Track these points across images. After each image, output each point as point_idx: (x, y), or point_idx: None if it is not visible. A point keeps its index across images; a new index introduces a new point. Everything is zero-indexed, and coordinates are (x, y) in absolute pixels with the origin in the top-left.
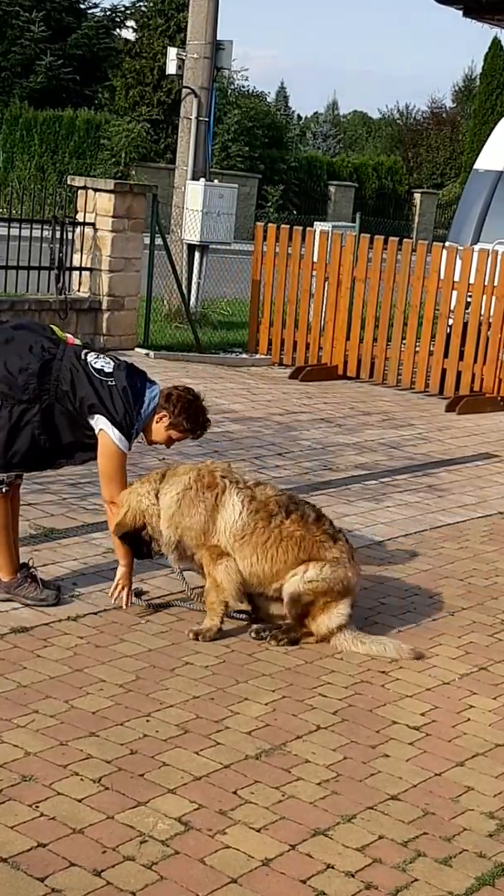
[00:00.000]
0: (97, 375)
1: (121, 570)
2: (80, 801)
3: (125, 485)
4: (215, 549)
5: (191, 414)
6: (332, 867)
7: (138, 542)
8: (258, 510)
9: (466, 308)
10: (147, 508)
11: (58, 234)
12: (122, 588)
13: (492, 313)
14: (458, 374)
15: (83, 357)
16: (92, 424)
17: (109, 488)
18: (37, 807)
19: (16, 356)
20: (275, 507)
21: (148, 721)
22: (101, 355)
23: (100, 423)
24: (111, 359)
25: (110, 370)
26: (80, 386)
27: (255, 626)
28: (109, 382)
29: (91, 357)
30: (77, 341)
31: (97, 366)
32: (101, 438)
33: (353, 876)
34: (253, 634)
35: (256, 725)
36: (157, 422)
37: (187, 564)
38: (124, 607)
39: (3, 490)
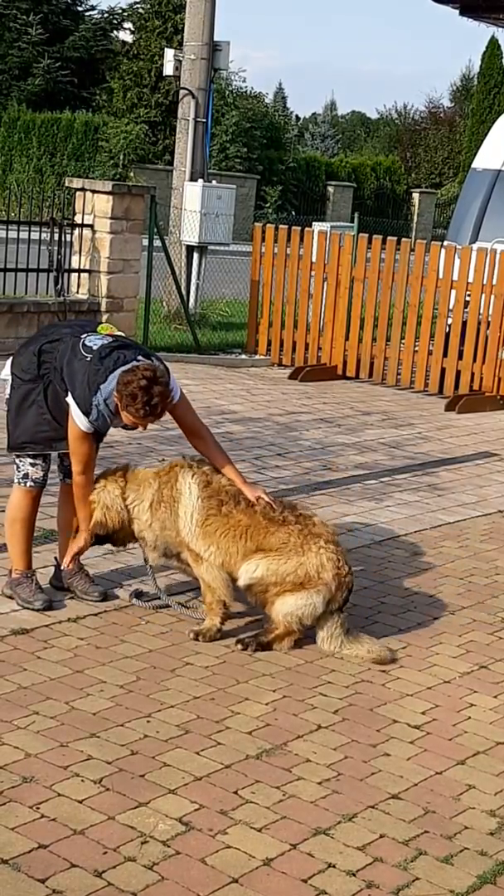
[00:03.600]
0: (81, 351)
1: (84, 536)
2: (80, 802)
3: (90, 464)
4: (203, 558)
5: (139, 400)
6: (334, 866)
7: (110, 538)
8: (211, 496)
9: (465, 307)
10: (121, 511)
11: (56, 236)
12: (78, 552)
13: (490, 312)
14: (458, 373)
15: (83, 337)
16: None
17: (74, 462)
18: (38, 808)
19: (36, 344)
20: (226, 495)
21: (148, 722)
22: (107, 337)
23: (67, 396)
24: (115, 339)
25: (97, 346)
26: (64, 362)
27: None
28: (87, 359)
29: (92, 337)
30: (118, 332)
31: (88, 343)
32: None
33: (354, 875)
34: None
35: (257, 725)
36: (119, 405)
37: (177, 565)
38: (68, 567)
39: (28, 485)
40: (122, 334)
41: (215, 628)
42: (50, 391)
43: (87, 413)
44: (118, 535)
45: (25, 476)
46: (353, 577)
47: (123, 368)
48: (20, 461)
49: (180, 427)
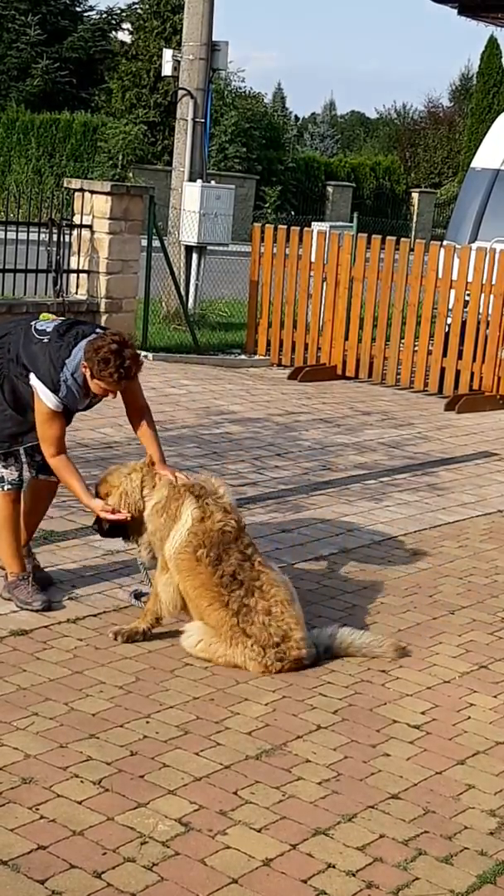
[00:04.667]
0: (35, 335)
1: (98, 503)
2: (80, 802)
3: (60, 444)
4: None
5: (112, 364)
6: (333, 866)
7: (124, 527)
8: (196, 533)
9: (465, 306)
10: (138, 501)
11: (55, 237)
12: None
13: (490, 311)
14: (457, 372)
15: (33, 323)
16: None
17: (45, 447)
18: (37, 809)
19: None
20: (207, 540)
21: (148, 722)
22: (57, 319)
23: (31, 380)
24: (64, 320)
25: (49, 329)
26: (19, 349)
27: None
28: (44, 340)
29: (41, 322)
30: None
31: (39, 327)
32: (34, 396)
33: (354, 875)
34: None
35: (256, 726)
36: (88, 375)
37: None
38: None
39: (6, 488)
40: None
41: (136, 632)
42: (6, 386)
43: (55, 391)
44: (131, 525)
45: (2, 480)
46: (304, 655)
47: (89, 339)
48: None
49: (124, 398)
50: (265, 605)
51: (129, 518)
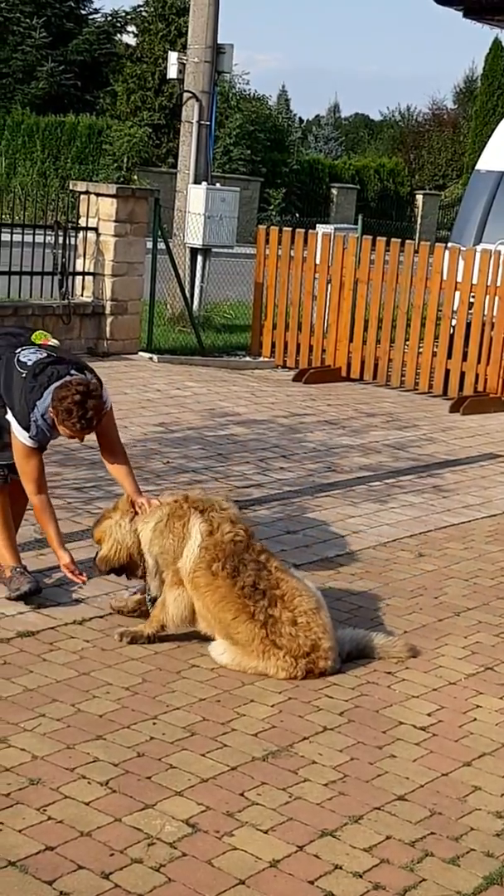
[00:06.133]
0: (17, 368)
1: (66, 557)
2: (87, 804)
3: (40, 481)
4: (178, 574)
5: (74, 415)
6: (340, 868)
7: (120, 570)
8: (207, 548)
9: (469, 309)
10: (132, 545)
11: (61, 239)
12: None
13: (495, 313)
14: (462, 374)
15: (18, 352)
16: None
17: (25, 482)
18: (44, 810)
19: None
20: (220, 553)
21: (154, 724)
22: (41, 350)
23: (8, 414)
24: (49, 353)
25: (31, 363)
26: (1, 378)
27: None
28: (23, 375)
29: (26, 352)
30: (52, 342)
31: (23, 359)
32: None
33: (360, 876)
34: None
35: (263, 727)
36: (55, 420)
37: None
38: (84, 583)
39: None
40: (56, 343)
41: (143, 636)
42: None
43: (26, 429)
44: (128, 567)
45: None
46: (330, 666)
47: (57, 384)
48: None
49: (98, 437)
50: (290, 615)
51: (84, 582)
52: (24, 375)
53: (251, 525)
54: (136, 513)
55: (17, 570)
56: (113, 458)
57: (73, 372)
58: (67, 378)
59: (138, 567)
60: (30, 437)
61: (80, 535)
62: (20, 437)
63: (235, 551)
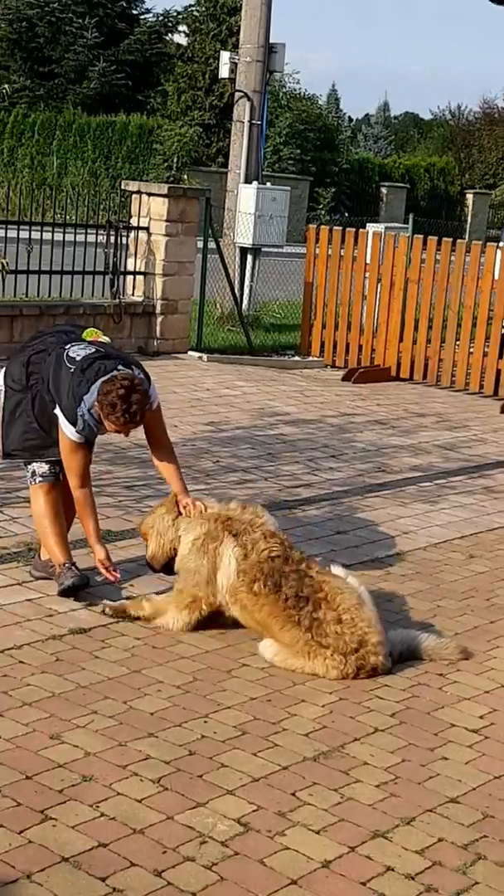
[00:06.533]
0: (66, 363)
1: (102, 552)
2: (139, 801)
3: (84, 475)
4: (188, 597)
5: (118, 409)
6: (392, 869)
7: (169, 567)
8: (245, 571)
9: None
10: (174, 539)
11: (112, 239)
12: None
13: None
14: None
15: (67, 348)
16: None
17: (69, 476)
18: (97, 807)
19: (25, 355)
20: (259, 573)
21: (206, 722)
22: (90, 347)
23: (56, 408)
24: (98, 349)
25: (79, 358)
26: (50, 373)
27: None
28: (71, 369)
29: (75, 347)
30: (103, 339)
31: (72, 354)
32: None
33: (413, 878)
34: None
35: (313, 727)
36: (100, 414)
37: None
38: (117, 580)
39: (38, 481)
40: (108, 340)
41: (127, 615)
42: (38, 401)
43: (73, 423)
44: (171, 563)
45: (33, 474)
46: (381, 661)
47: (103, 379)
48: (25, 463)
49: (146, 433)
50: (334, 614)
51: (117, 580)
52: (72, 370)
53: (287, 532)
54: (181, 512)
55: (66, 565)
56: (161, 456)
57: (120, 367)
58: (114, 373)
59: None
60: (76, 431)
61: (130, 534)
62: (67, 431)
63: (274, 567)
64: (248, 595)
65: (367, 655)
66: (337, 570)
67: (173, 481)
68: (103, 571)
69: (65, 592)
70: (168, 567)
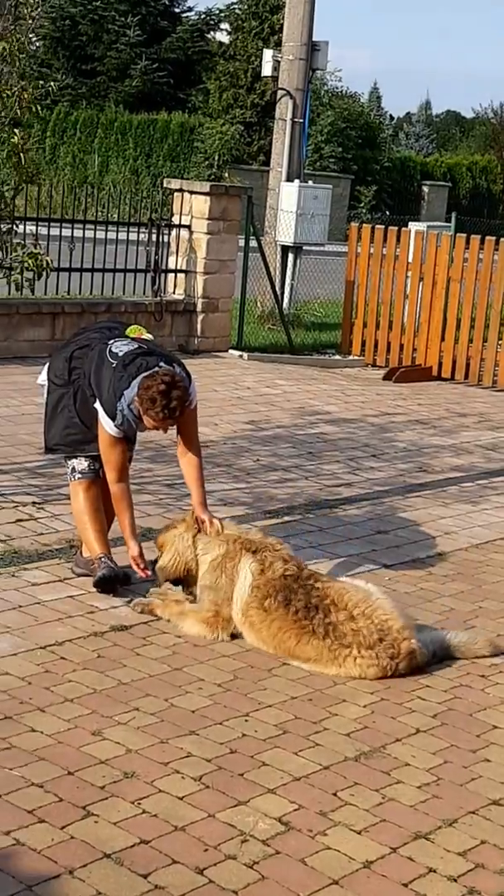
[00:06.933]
0: (108, 358)
1: (136, 548)
2: (181, 798)
3: (122, 470)
4: (213, 610)
5: (158, 404)
6: (435, 871)
7: (177, 581)
8: (259, 586)
9: None
10: (190, 560)
11: (154, 237)
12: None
13: None
14: None
15: (110, 343)
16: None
17: (107, 470)
18: (139, 803)
19: (68, 350)
20: (272, 589)
21: (246, 721)
22: (133, 343)
23: (96, 403)
24: (140, 345)
25: (122, 353)
26: (92, 368)
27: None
28: (113, 364)
29: (118, 343)
30: (146, 336)
31: (115, 349)
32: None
33: (455, 881)
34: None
35: (355, 727)
36: (140, 410)
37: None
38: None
39: (77, 478)
40: (150, 337)
41: (155, 614)
42: (79, 396)
43: (113, 418)
44: (187, 579)
45: (73, 470)
46: (415, 646)
47: (144, 374)
48: (66, 459)
49: (178, 431)
50: (345, 613)
51: (148, 577)
52: (114, 365)
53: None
54: (199, 529)
55: (102, 558)
56: (187, 458)
57: (161, 364)
58: (155, 369)
59: (195, 582)
60: (115, 425)
61: None
62: (106, 425)
63: (286, 584)
64: (259, 612)
65: (396, 643)
66: (344, 580)
67: (193, 489)
68: (136, 568)
69: (99, 583)
70: (176, 581)
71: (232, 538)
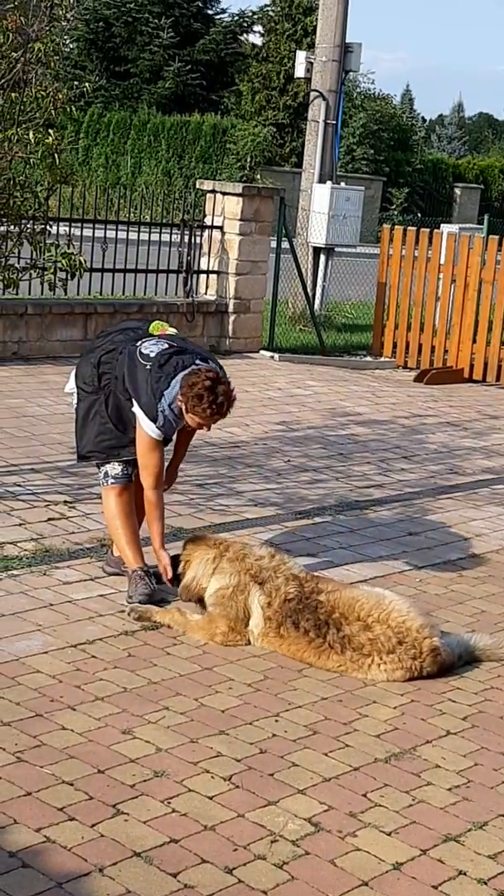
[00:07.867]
0: (140, 360)
1: (166, 558)
2: (211, 798)
3: (160, 475)
4: (220, 624)
5: (205, 400)
6: (465, 874)
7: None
8: (270, 618)
9: None
10: (205, 589)
11: (186, 238)
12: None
13: None
14: None
15: (139, 345)
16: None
17: (144, 476)
18: (169, 802)
19: (94, 356)
20: (282, 617)
21: (276, 721)
22: (161, 342)
23: (134, 407)
24: (169, 343)
25: (154, 354)
26: (125, 371)
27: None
28: (147, 366)
29: (147, 344)
30: (170, 331)
31: (145, 351)
32: (137, 423)
33: (485, 883)
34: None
35: (385, 729)
36: (183, 409)
37: None
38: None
39: (110, 483)
40: (174, 332)
41: (154, 620)
42: (111, 401)
43: (154, 420)
44: (202, 601)
45: (106, 475)
46: (437, 643)
47: (185, 372)
48: (98, 465)
49: (177, 435)
50: (359, 624)
51: (172, 585)
52: (148, 367)
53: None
54: (222, 554)
55: (138, 574)
56: (169, 467)
57: (198, 361)
58: (196, 366)
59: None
60: (157, 427)
61: (202, 532)
62: (147, 428)
63: (291, 609)
64: (276, 638)
65: (417, 642)
66: (353, 585)
67: (153, 526)
68: (164, 577)
69: (131, 611)
70: (198, 600)
71: (245, 569)
